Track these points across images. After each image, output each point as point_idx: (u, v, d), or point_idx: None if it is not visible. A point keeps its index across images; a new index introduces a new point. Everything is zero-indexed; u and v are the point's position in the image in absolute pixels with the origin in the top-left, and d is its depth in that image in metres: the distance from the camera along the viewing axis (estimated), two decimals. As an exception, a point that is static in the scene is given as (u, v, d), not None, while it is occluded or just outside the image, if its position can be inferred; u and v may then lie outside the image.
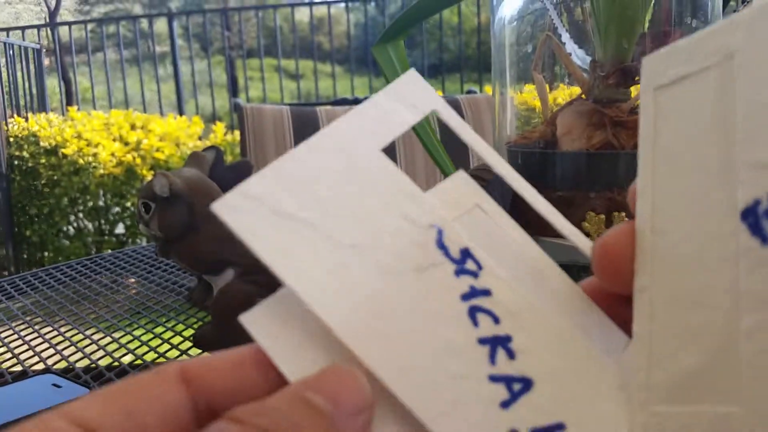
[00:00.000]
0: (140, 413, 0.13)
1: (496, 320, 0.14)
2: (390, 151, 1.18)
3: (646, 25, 0.48)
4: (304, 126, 1.17)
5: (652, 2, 0.47)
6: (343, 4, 3.39)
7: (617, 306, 0.15)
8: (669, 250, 0.14)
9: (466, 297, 0.14)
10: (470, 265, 0.15)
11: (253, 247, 0.14)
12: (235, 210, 0.14)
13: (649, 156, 0.15)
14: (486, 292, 0.15)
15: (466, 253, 0.15)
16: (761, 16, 0.13)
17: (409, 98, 0.16)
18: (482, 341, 0.14)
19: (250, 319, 0.14)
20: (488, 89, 2.54)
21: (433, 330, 0.14)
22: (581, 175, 0.46)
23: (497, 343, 0.14)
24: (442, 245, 0.15)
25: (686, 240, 0.14)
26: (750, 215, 0.12)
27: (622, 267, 0.15)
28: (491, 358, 0.14)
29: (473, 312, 0.14)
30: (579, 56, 0.49)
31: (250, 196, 0.14)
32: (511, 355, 0.14)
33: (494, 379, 0.14)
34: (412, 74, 0.17)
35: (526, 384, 0.14)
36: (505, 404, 0.13)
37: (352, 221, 0.14)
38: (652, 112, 0.15)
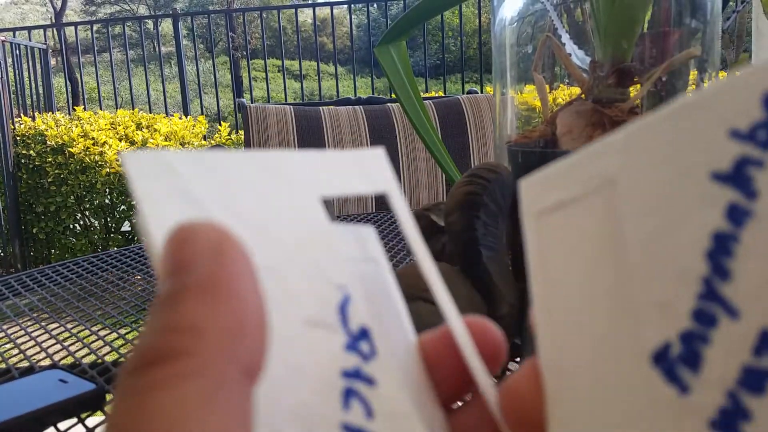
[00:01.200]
0: None
1: (370, 415, 0.13)
2: (393, 150, 1.18)
3: (646, 25, 0.48)
4: (308, 125, 1.17)
5: (652, 2, 0.48)
6: (345, 6, 3.40)
7: None
8: (579, 398, 0.13)
9: (347, 375, 0.13)
10: (364, 346, 0.13)
11: (144, 211, 0.12)
12: (143, 168, 0.12)
13: (541, 287, 0.14)
14: (370, 381, 0.13)
15: (364, 334, 0.14)
16: (635, 138, 0.12)
17: (370, 172, 0.16)
18: (346, 428, 0.12)
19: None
20: (489, 89, 2.54)
21: (298, 390, 0.12)
22: (581, 174, 0.46)
23: None
24: (343, 312, 0.13)
25: (596, 385, 0.12)
26: (662, 360, 0.11)
27: (533, 417, 0.13)
28: None
29: (348, 394, 0.13)
30: (579, 57, 0.49)
31: (167, 165, 0.13)
32: None
33: None
34: (380, 152, 0.16)
35: None
36: None
37: (261, 241, 0.13)
38: (536, 239, 0.14)
